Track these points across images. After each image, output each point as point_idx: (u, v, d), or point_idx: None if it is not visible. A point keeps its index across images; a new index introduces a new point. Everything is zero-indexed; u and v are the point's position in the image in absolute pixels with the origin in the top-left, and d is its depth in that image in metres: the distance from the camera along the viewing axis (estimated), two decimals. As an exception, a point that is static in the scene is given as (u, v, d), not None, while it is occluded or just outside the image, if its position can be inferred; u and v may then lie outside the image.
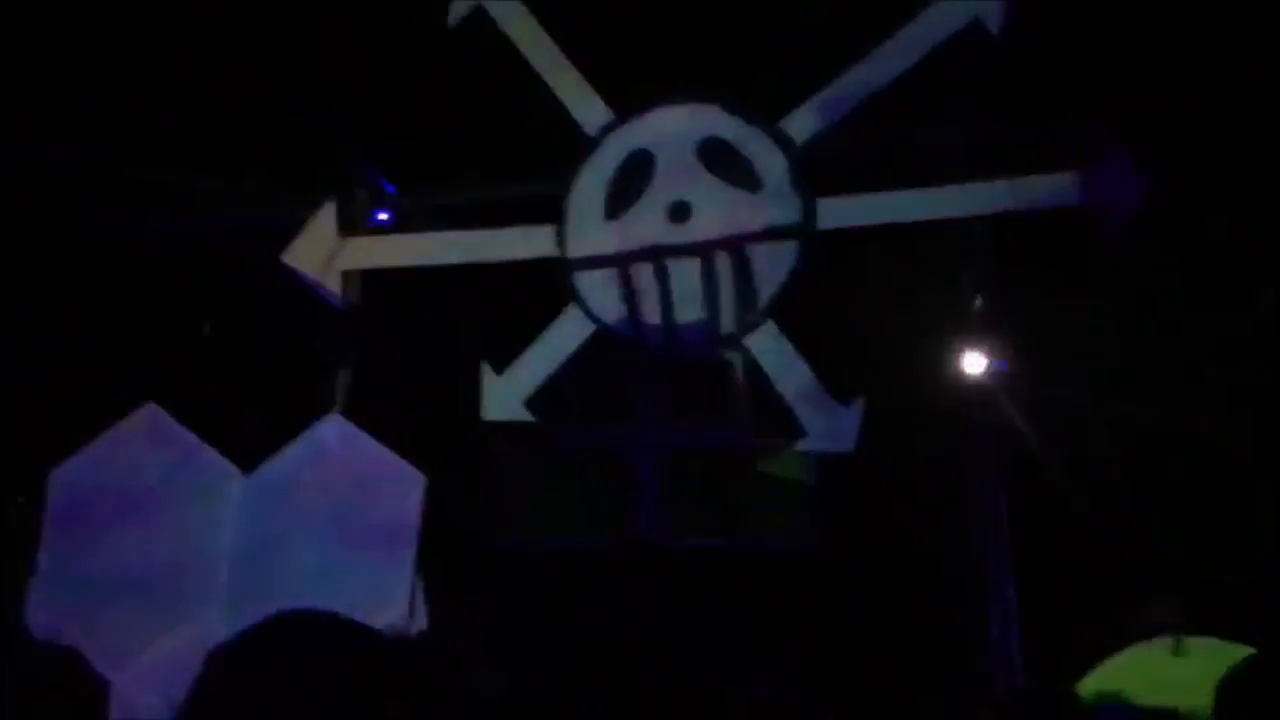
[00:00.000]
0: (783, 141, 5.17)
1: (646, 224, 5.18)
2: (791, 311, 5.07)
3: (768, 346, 5.03)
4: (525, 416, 5.19)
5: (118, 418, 5.32)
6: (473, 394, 5.21)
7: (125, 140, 5.73)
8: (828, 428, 4.92)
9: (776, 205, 5.12)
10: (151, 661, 4.93)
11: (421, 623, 5.04)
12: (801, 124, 5.18)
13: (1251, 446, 5.13)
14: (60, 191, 5.79)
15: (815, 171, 5.18)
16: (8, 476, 5.55)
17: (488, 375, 5.21)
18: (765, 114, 5.20)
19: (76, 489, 5.28)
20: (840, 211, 5.14)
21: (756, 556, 4.87)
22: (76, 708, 4.52)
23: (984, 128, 5.46)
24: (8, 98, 5.38)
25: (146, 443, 5.27)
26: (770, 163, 5.16)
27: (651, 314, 5.12)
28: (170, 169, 5.70)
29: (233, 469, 5.22)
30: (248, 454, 5.21)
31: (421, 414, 5.59)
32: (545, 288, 5.25)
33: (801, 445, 4.95)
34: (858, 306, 5.44)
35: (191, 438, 5.26)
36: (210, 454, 5.24)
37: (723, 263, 5.10)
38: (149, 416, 5.30)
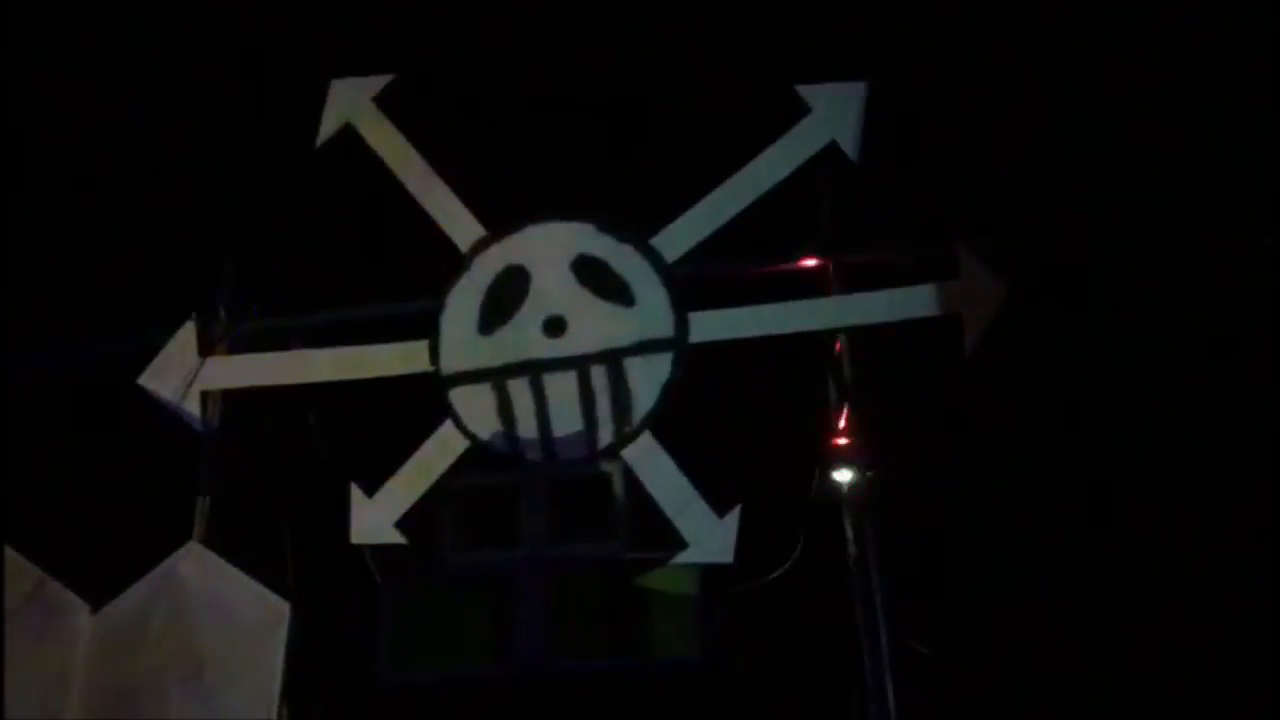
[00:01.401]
0: (654, 258, 5.14)
1: (522, 339, 5.05)
2: (667, 423, 4.98)
3: (645, 458, 4.91)
4: (396, 539, 4.93)
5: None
6: (343, 517, 4.92)
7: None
8: (706, 539, 4.79)
9: (649, 319, 5.07)
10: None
11: (289, 761, 4.66)
12: (672, 241, 5.16)
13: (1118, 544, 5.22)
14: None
15: (686, 287, 5.15)
16: None
17: (357, 497, 4.94)
18: (637, 232, 5.17)
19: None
20: (711, 325, 5.11)
21: (641, 674, 4.65)
22: None
23: (846, 243, 5.54)
24: None
25: (-14, 579, 4.82)
26: (642, 279, 5.12)
27: (528, 428, 4.97)
28: (30, 296, 5.33)
29: (81, 604, 4.80)
30: (99, 589, 4.80)
31: (288, 541, 5.25)
32: (418, 404, 5.04)
33: (681, 557, 4.80)
34: (731, 417, 5.38)
35: (36, 572, 4.82)
36: (58, 588, 4.81)
37: (598, 376, 5.00)
38: (-11, 551, 4.85)
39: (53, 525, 4.98)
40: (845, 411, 5.75)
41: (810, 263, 5.47)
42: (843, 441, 5.68)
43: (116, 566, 4.83)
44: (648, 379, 5.00)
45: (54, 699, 4.62)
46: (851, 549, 5.50)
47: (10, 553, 4.82)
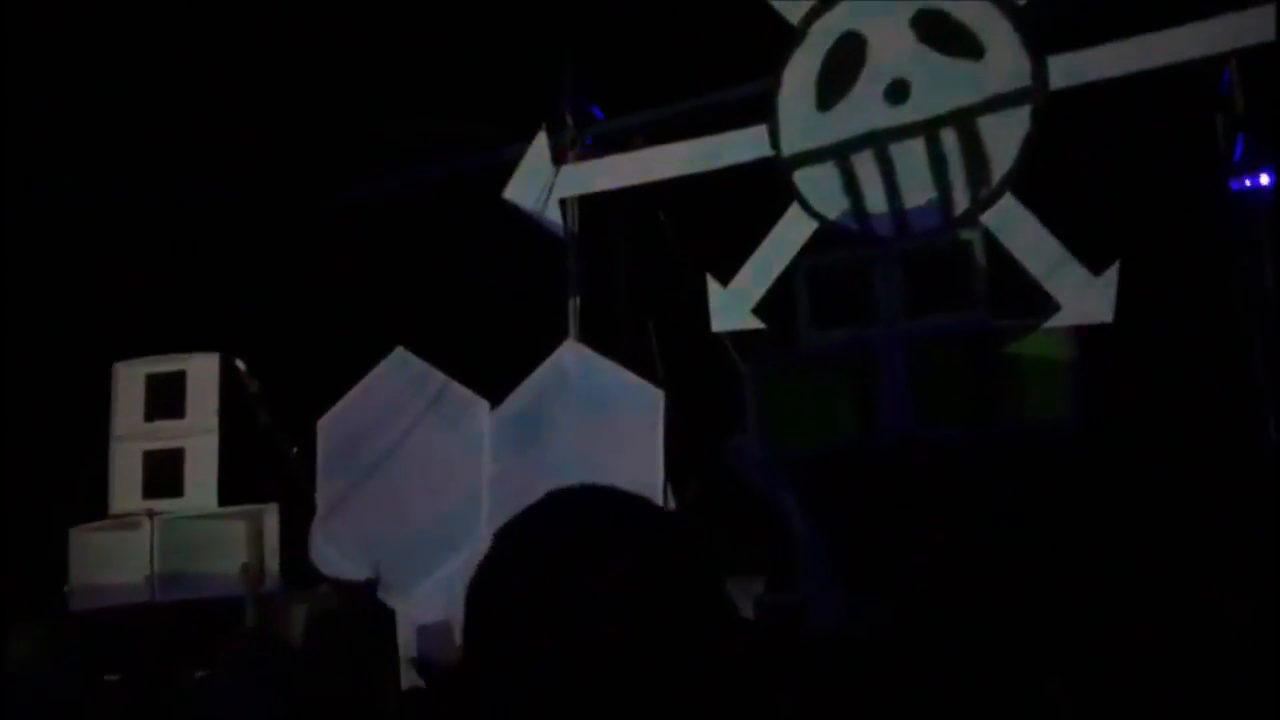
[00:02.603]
0: (1002, 2, 4.57)
1: (863, 109, 4.71)
2: (1030, 181, 4.51)
3: (1007, 221, 4.50)
4: (754, 324, 4.86)
5: (371, 365, 5.31)
6: (702, 308, 4.92)
7: (335, 102, 5.65)
8: (1082, 299, 4.38)
9: (1002, 71, 4.55)
10: (431, 588, 4.93)
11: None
12: (1021, -19, 4.56)
13: None
14: (280, 160, 5.77)
15: (1041, 29, 4.56)
16: (286, 430, 5.64)
17: (713, 286, 4.90)
18: (981, -24, 4.60)
19: (343, 434, 5.33)
20: (1073, 68, 4.52)
21: (1013, 442, 4.38)
22: (370, 637, 4.52)
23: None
24: (228, 73, 5.39)
25: (400, 385, 5.26)
26: (992, 26, 4.57)
27: (877, 203, 4.68)
28: (380, 125, 5.58)
29: (482, 402, 5.14)
30: (493, 387, 5.11)
31: (653, 334, 5.33)
32: (764, 190, 4.86)
33: (1054, 321, 4.42)
34: (1103, 168, 4.79)
35: (440, 376, 5.20)
36: (459, 389, 5.18)
37: (949, 139, 4.58)
38: (399, 360, 5.28)
39: (449, 334, 5.32)
40: (1239, 146, 4.99)
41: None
42: (1235, 180, 4.96)
43: (506, 367, 5.10)
44: (1005, 136, 4.53)
45: (463, 492, 5.02)
46: (1250, 299, 4.86)
47: (416, 359, 5.21)
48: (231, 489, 5.51)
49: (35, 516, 5.38)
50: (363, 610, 4.91)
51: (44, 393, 5.57)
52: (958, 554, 3.86)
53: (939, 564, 3.81)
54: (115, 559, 5.39)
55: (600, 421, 5.01)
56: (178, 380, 5.68)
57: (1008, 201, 4.51)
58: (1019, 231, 4.47)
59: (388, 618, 4.88)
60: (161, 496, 5.58)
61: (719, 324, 4.90)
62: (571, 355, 5.16)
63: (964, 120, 4.55)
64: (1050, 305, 4.41)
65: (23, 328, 5.58)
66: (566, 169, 5.24)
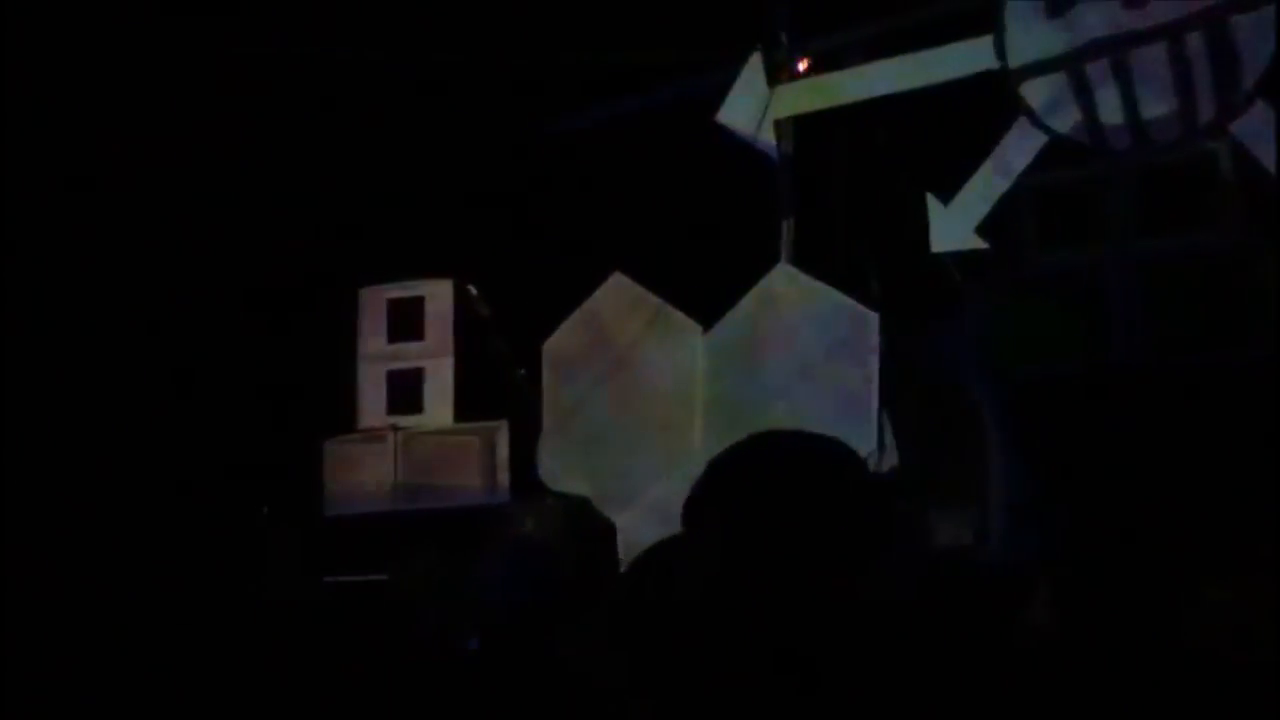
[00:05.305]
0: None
1: (1097, 15, 4.30)
2: (1288, 85, 4.02)
3: (1259, 130, 4.04)
4: (978, 244, 4.59)
5: (591, 290, 5.34)
6: (922, 228, 4.67)
7: (545, 33, 5.60)
8: (1344, 215, 3.89)
9: (1258, -37, 4.04)
10: (649, 503, 4.97)
11: (892, 460, 4.68)
12: None
13: None
14: (502, 91, 5.78)
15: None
16: (514, 352, 5.76)
17: (933, 206, 4.64)
18: None
19: (566, 356, 5.40)
20: (1343, -44, 3.96)
21: (1266, 372, 3.97)
22: (591, 545, 4.62)
23: None
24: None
25: (617, 309, 5.27)
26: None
27: (1112, 114, 4.28)
28: (597, 54, 5.51)
29: (695, 325, 5.09)
30: (706, 311, 5.05)
31: (870, 255, 5.12)
32: (989, 104, 4.54)
33: (1312, 240, 3.95)
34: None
35: (655, 300, 5.18)
36: (674, 313, 5.14)
37: (1195, 43, 4.13)
38: (616, 285, 5.28)
39: (664, 258, 5.27)
40: None
41: None
42: None
43: (719, 291, 5.02)
44: (1260, 35, 4.04)
45: (678, 414, 5.00)
46: None
47: (632, 284, 5.20)
48: (466, 407, 5.70)
49: (290, 431, 5.74)
50: (585, 523, 4.99)
51: (296, 318, 5.89)
52: (1197, 491, 3.54)
53: (1176, 502, 3.51)
54: (363, 470, 5.70)
55: (812, 343, 4.87)
56: (417, 305, 5.89)
57: (1259, 109, 4.04)
58: (1271, 141, 4.00)
59: (609, 530, 4.95)
60: (403, 413, 5.83)
61: (939, 244, 4.65)
62: (784, 278, 5.03)
63: (1213, 20, 4.08)
64: (1309, 220, 3.96)
65: (278, 259, 5.90)
66: (781, 89, 5.05)
